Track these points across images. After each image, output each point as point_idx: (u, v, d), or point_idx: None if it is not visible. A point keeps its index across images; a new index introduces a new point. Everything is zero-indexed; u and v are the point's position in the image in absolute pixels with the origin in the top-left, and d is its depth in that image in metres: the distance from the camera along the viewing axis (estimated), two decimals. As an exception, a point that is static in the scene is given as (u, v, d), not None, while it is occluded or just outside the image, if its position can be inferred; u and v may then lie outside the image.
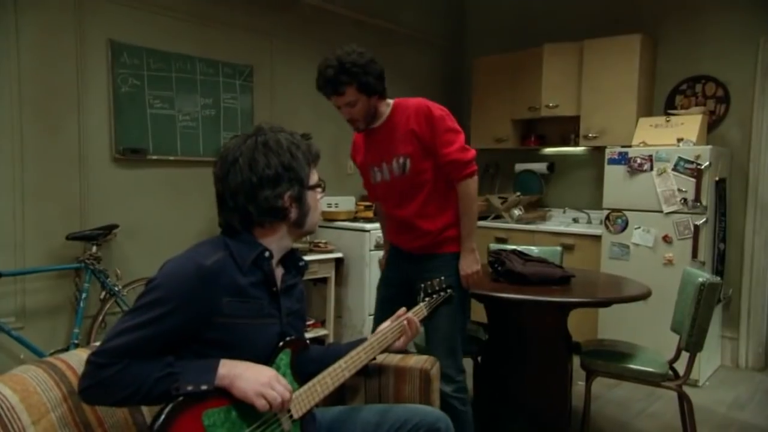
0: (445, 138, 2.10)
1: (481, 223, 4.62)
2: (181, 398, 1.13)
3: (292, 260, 1.46)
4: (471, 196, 2.14)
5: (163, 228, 3.24)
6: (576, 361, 2.62)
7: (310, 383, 1.35)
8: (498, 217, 4.70)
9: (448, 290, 1.83)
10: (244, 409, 1.20)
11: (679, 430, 2.68)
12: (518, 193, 4.65)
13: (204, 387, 1.15)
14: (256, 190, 1.30)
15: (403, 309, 1.65)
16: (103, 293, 2.94)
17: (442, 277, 1.86)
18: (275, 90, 3.87)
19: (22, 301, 2.79)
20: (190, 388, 1.14)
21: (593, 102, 4.20)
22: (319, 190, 1.44)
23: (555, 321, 2.53)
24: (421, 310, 1.71)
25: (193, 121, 3.36)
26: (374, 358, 1.56)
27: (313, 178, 1.41)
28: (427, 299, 1.75)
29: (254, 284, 1.29)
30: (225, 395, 1.19)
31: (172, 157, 3.27)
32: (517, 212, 4.50)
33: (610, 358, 2.50)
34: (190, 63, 3.34)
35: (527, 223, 4.49)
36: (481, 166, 5.34)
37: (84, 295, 2.84)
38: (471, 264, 2.15)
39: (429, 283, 1.80)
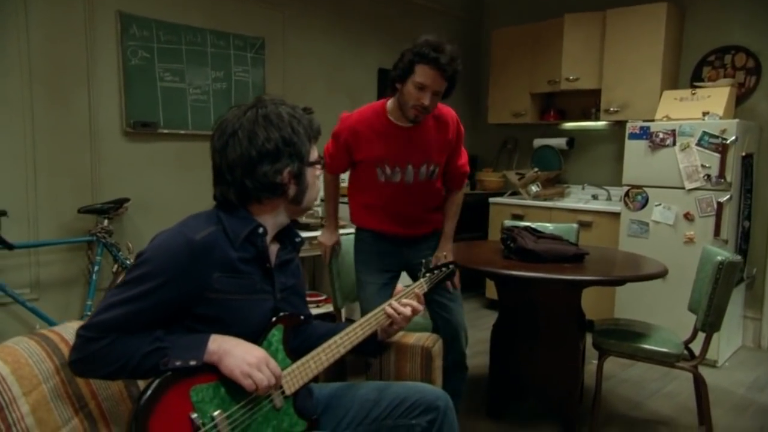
0: (463, 150, 2.23)
1: (498, 199, 4.55)
2: (169, 373, 1.12)
3: (288, 236, 1.43)
4: (461, 201, 2.32)
5: (174, 202, 3.25)
6: (590, 340, 2.57)
7: (303, 359, 1.32)
8: (515, 193, 4.62)
9: (451, 266, 1.78)
10: (234, 385, 1.18)
11: (694, 411, 2.63)
12: (536, 169, 4.55)
13: (192, 362, 1.14)
14: (255, 165, 1.26)
15: (400, 286, 1.62)
16: (115, 266, 2.97)
17: (445, 254, 1.82)
18: (287, 63, 3.82)
19: (37, 273, 2.83)
20: (178, 363, 1.13)
21: (615, 75, 4.06)
22: (318, 166, 1.40)
23: (567, 299, 2.47)
24: (421, 285, 1.67)
25: (204, 94, 3.34)
26: (377, 335, 1.53)
27: (313, 155, 1.36)
28: (428, 275, 1.71)
29: (246, 260, 1.26)
30: (214, 371, 1.17)
31: (182, 131, 3.26)
32: (534, 188, 4.41)
33: (623, 338, 2.44)
34: (200, 35, 3.30)
35: (545, 199, 4.40)
36: (498, 142, 5.26)
37: (96, 268, 2.88)
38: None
39: (431, 259, 1.76)
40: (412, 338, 1.69)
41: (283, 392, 1.27)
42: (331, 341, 1.39)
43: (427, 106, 1.93)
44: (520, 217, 4.32)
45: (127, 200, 2.98)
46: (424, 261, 1.75)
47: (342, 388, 1.52)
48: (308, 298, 3.46)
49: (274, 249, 1.38)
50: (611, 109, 4.10)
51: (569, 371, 2.47)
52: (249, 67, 3.55)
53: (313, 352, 1.35)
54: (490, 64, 4.89)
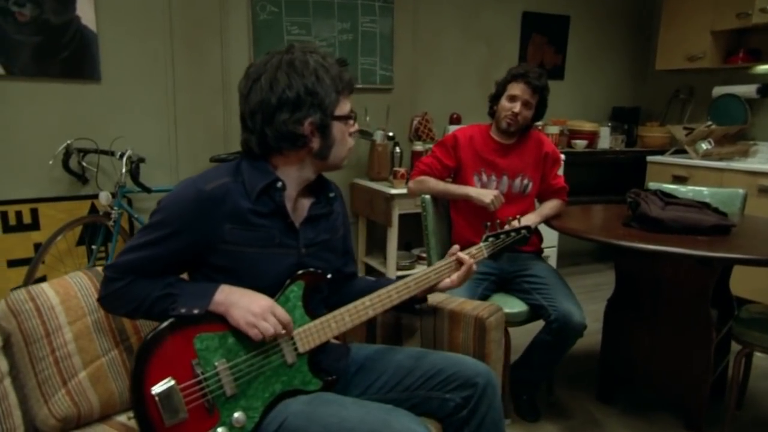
0: (557, 170, 2.39)
1: (657, 158, 3.97)
2: (176, 318, 1.15)
3: (323, 190, 1.37)
4: (559, 209, 2.37)
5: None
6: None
7: (324, 318, 1.27)
8: (680, 151, 3.98)
9: (522, 231, 1.58)
10: (243, 337, 1.18)
11: None
12: (709, 123, 3.85)
13: (196, 311, 1.15)
14: (274, 112, 1.21)
15: (456, 247, 1.47)
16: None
17: (519, 217, 1.62)
18: (419, 10, 3.66)
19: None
20: (183, 310, 1.15)
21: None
22: (350, 122, 1.30)
23: (698, 278, 2.07)
24: (480, 251, 1.51)
25: (330, 46, 3.36)
26: (417, 298, 1.44)
27: (342, 109, 1.27)
28: (491, 239, 1.54)
29: (262, 213, 1.23)
30: (224, 321, 1.18)
31: (307, 84, 3.33)
32: (704, 146, 3.74)
33: (772, 331, 1.99)
34: (327, -14, 3.30)
35: (720, 159, 3.72)
36: (669, 91, 4.53)
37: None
38: None
39: (498, 221, 1.57)
40: (468, 306, 1.54)
41: (296, 349, 1.24)
42: (359, 302, 1.32)
43: (517, 113, 2.18)
44: (682, 180, 3.73)
45: (252, 151, 3.16)
46: (489, 223, 1.57)
47: (380, 351, 1.45)
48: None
49: (306, 203, 1.34)
50: (819, 46, 3.27)
51: (698, 362, 2.09)
52: (377, 17, 3.48)
53: (337, 311, 1.29)
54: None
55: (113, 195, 2.75)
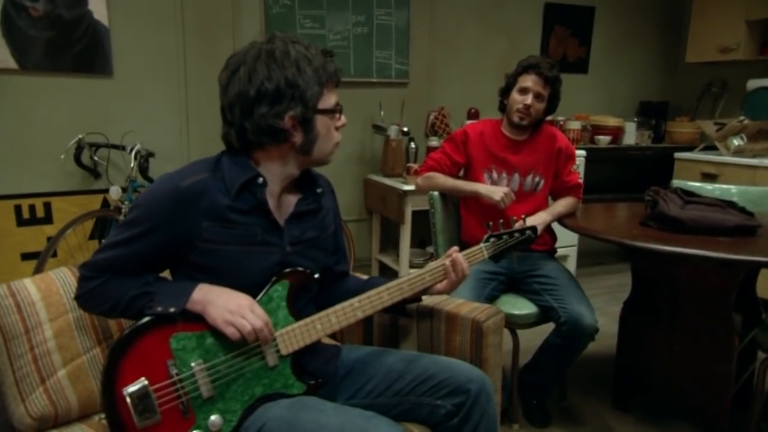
0: (572, 166, 2.28)
1: (685, 154, 3.81)
2: (152, 317, 1.11)
3: (310, 185, 1.32)
4: (573, 208, 2.26)
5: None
6: None
7: (308, 319, 1.22)
8: (710, 148, 3.80)
9: (527, 231, 1.50)
10: (222, 337, 1.13)
11: None
12: (742, 118, 3.66)
13: (171, 309, 1.11)
14: (253, 105, 1.15)
15: (455, 248, 1.40)
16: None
17: (524, 216, 1.53)
18: (436, 1, 3.58)
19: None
20: (159, 309, 1.11)
21: None
22: (336, 116, 1.24)
23: (720, 282, 1.95)
24: (480, 251, 1.43)
25: (344, 40, 3.30)
26: (410, 299, 1.38)
27: (327, 102, 1.20)
28: (492, 240, 1.46)
29: (243, 210, 1.18)
30: (202, 321, 1.13)
31: (321, 78, 3.28)
32: (736, 142, 3.57)
33: (800, 340, 1.86)
34: (342, -22, 3.25)
35: (753, 156, 3.54)
36: (700, 85, 4.35)
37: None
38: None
39: (501, 221, 1.49)
40: (465, 308, 1.47)
41: (278, 351, 1.19)
42: (347, 303, 1.26)
43: (529, 105, 2.10)
44: (712, 177, 3.57)
45: (263, 146, 3.13)
46: (491, 223, 1.49)
47: (372, 353, 1.39)
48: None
49: (292, 199, 1.29)
50: None
51: (719, 370, 1.98)
52: (392, 9, 3.41)
53: (323, 312, 1.24)
54: (694, -11, 4.02)
55: (124, 189, 2.75)
